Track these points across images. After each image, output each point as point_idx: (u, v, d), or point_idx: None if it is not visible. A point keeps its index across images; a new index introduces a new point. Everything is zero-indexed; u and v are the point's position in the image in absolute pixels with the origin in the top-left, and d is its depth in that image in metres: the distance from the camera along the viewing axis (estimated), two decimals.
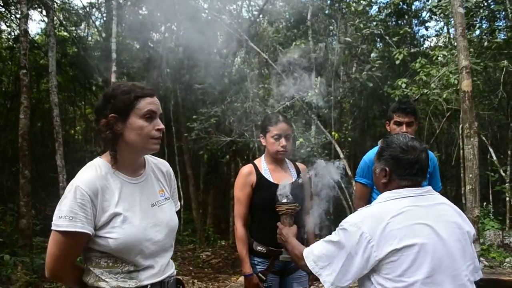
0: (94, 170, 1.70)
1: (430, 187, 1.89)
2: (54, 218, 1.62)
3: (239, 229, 2.81)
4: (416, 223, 1.71)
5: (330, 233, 1.88)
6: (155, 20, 11.52)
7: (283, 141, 2.77)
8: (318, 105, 8.33)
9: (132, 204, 1.73)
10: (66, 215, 1.59)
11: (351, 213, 1.93)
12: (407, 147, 1.83)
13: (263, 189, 2.78)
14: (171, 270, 1.87)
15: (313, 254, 1.89)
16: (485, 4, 8.41)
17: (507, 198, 9.89)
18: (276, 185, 2.78)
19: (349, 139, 8.07)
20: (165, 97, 11.61)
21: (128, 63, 13.11)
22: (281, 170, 2.87)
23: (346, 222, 1.81)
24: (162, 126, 1.75)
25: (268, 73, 9.40)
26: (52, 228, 1.62)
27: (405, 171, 1.82)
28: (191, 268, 7.89)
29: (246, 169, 2.85)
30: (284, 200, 2.49)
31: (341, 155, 7.90)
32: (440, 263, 1.68)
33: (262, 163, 2.88)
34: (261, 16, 11.54)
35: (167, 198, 1.90)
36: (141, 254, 1.71)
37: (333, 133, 7.83)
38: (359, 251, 1.71)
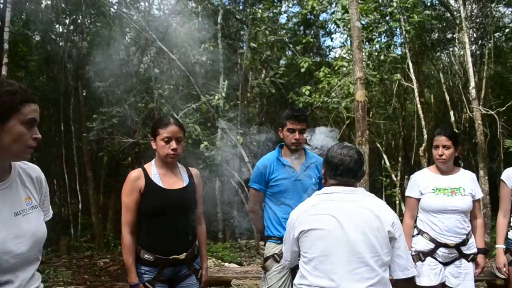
0: None
1: (360, 189, 2.26)
2: None
3: (126, 236, 2.69)
4: (324, 213, 2.15)
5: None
6: (59, 11, 10.77)
7: (173, 144, 2.68)
8: (224, 108, 8.34)
9: None
10: None
11: None
12: (335, 153, 2.25)
13: (152, 194, 2.67)
14: (36, 284, 1.72)
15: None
16: (382, 21, 9.01)
17: (397, 202, 10.70)
18: (166, 190, 2.69)
19: (254, 143, 8.16)
20: (66, 94, 10.91)
21: (26, 55, 12.11)
22: (172, 174, 2.78)
23: None
24: (39, 136, 1.64)
25: (176, 74, 9.21)
26: None
27: (331, 172, 2.24)
28: (86, 276, 7.43)
29: (134, 173, 2.72)
30: None
31: (246, 159, 7.99)
32: (336, 246, 2.09)
33: (152, 167, 2.77)
34: (172, 15, 11.29)
35: (35, 206, 1.75)
36: None
37: (238, 137, 7.88)
38: (290, 232, 2.29)
